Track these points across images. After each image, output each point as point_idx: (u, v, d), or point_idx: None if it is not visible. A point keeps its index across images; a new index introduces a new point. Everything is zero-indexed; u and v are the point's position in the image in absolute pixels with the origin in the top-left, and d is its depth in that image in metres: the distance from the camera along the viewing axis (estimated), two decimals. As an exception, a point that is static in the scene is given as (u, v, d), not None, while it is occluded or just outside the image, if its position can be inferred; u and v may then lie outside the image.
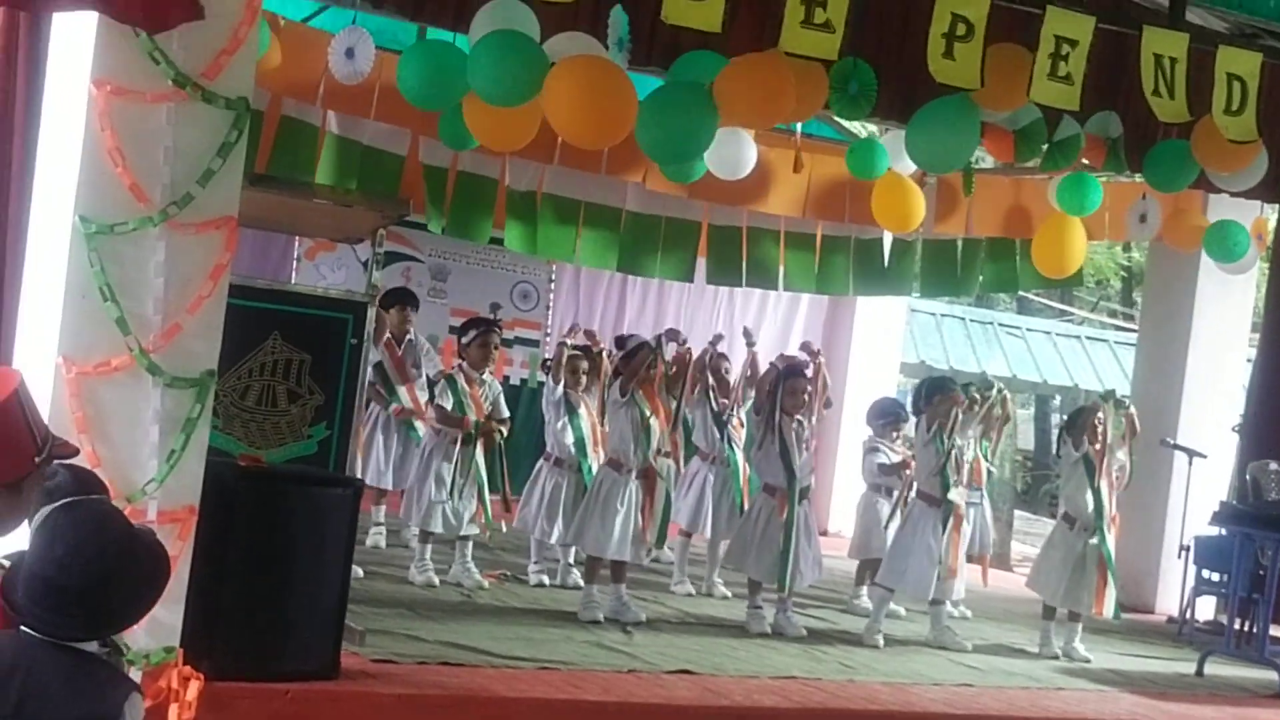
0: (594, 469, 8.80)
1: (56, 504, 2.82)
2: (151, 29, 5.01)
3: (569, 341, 9.35)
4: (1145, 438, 11.24)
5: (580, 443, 8.95)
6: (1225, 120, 7.66)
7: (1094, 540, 8.97)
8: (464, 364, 8.90)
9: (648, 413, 8.47)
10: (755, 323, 14.25)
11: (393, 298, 9.72)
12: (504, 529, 9.46)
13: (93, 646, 2.73)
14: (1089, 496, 8.98)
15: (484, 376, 8.89)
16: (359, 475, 9.44)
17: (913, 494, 9.27)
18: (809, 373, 8.93)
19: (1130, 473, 9.26)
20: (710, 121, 7.03)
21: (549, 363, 9.71)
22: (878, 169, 9.82)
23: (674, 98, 7.01)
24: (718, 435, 9.80)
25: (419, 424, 9.52)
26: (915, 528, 8.96)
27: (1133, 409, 9.24)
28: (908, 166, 9.52)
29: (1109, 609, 9.01)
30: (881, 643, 8.66)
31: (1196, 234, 10.36)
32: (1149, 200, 10.01)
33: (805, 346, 9.17)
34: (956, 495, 8.91)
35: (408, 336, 9.70)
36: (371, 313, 6.93)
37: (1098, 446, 9.02)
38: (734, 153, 8.98)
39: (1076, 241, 9.80)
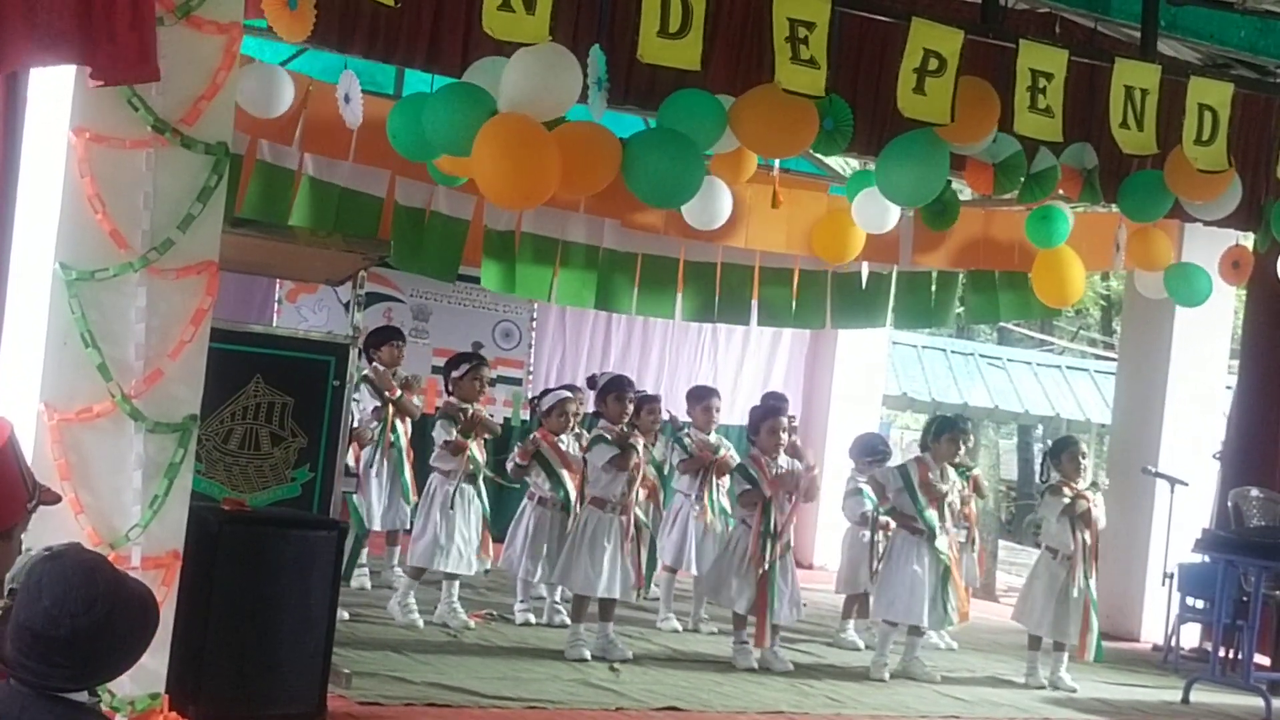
0: (578, 507, 8.82)
1: (41, 554, 2.81)
2: (108, 81, 5.00)
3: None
4: (1126, 466, 11.31)
5: (560, 486, 8.95)
6: (1195, 150, 7.73)
7: (1079, 570, 8.98)
8: (453, 399, 8.92)
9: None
10: (739, 357, 14.33)
11: (380, 336, 9.73)
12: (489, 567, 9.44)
13: (82, 696, 2.72)
14: (1070, 535, 9.01)
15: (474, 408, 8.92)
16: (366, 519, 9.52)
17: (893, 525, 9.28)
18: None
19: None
20: (698, 166, 7.10)
21: (536, 400, 9.71)
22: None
23: (661, 141, 7.06)
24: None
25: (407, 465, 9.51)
26: (899, 556, 8.96)
27: (1100, 498, 9.19)
28: (880, 220, 9.68)
29: (1091, 653, 9.01)
30: (888, 676, 8.66)
31: (1163, 254, 10.38)
32: (1123, 230, 10.06)
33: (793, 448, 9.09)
34: (942, 543, 8.90)
35: (397, 373, 9.67)
36: (353, 354, 6.94)
37: (1079, 484, 9.06)
38: (710, 202, 9.05)
39: (1075, 269, 9.86)
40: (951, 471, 9.18)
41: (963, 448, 9.17)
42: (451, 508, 8.60)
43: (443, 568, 8.65)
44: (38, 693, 2.68)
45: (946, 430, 9.12)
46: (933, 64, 7.06)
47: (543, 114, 6.82)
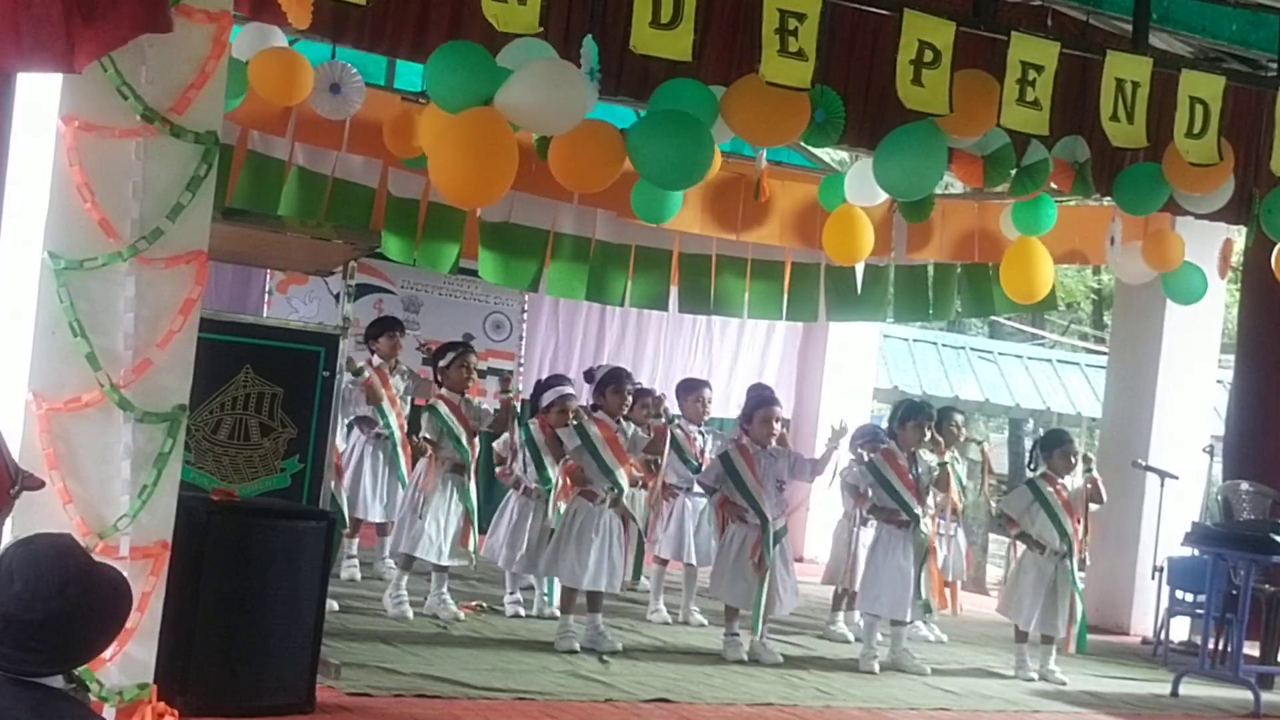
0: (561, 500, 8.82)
1: (12, 541, 2.81)
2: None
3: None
4: (1117, 460, 11.33)
5: (548, 479, 8.95)
6: (1187, 143, 7.72)
7: (1065, 563, 9.00)
8: (443, 390, 8.90)
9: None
10: (733, 350, 14.34)
11: (379, 326, 9.73)
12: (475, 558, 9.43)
13: (58, 682, 2.72)
14: (1052, 530, 9.03)
15: (464, 397, 8.90)
16: (349, 508, 9.53)
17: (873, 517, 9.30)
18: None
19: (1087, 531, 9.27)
20: (708, 148, 7.11)
21: (534, 397, 9.68)
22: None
23: (669, 125, 7.05)
24: (689, 470, 9.78)
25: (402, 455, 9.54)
26: (884, 550, 8.98)
27: (1097, 474, 9.18)
28: (873, 195, 9.61)
29: (1075, 644, 9.02)
30: (877, 668, 8.67)
31: (1176, 255, 10.33)
32: (1116, 223, 10.05)
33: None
34: (926, 526, 8.92)
35: (398, 363, 9.68)
36: (344, 345, 6.93)
37: (1065, 481, 9.07)
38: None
39: (1043, 265, 9.86)
40: (930, 457, 9.18)
41: (928, 433, 9.17)
42: (419, 493, 8.66)
43: (414, 554, 8.65)
44: (12, 678, 2.67)
45: (912, 416, 9.13)
46: (928, 56, 7.05)
47: (542, 130, 6.83)
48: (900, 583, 8.81)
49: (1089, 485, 9.06)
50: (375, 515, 9.67)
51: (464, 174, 6.70)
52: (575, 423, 8.55)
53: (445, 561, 8.73)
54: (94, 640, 2.75)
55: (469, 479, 8.79)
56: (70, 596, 2.68)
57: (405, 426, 9.58)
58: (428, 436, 8.80)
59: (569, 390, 9.23)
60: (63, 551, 2.74)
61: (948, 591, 9.96)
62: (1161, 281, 10.31)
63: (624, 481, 8.47)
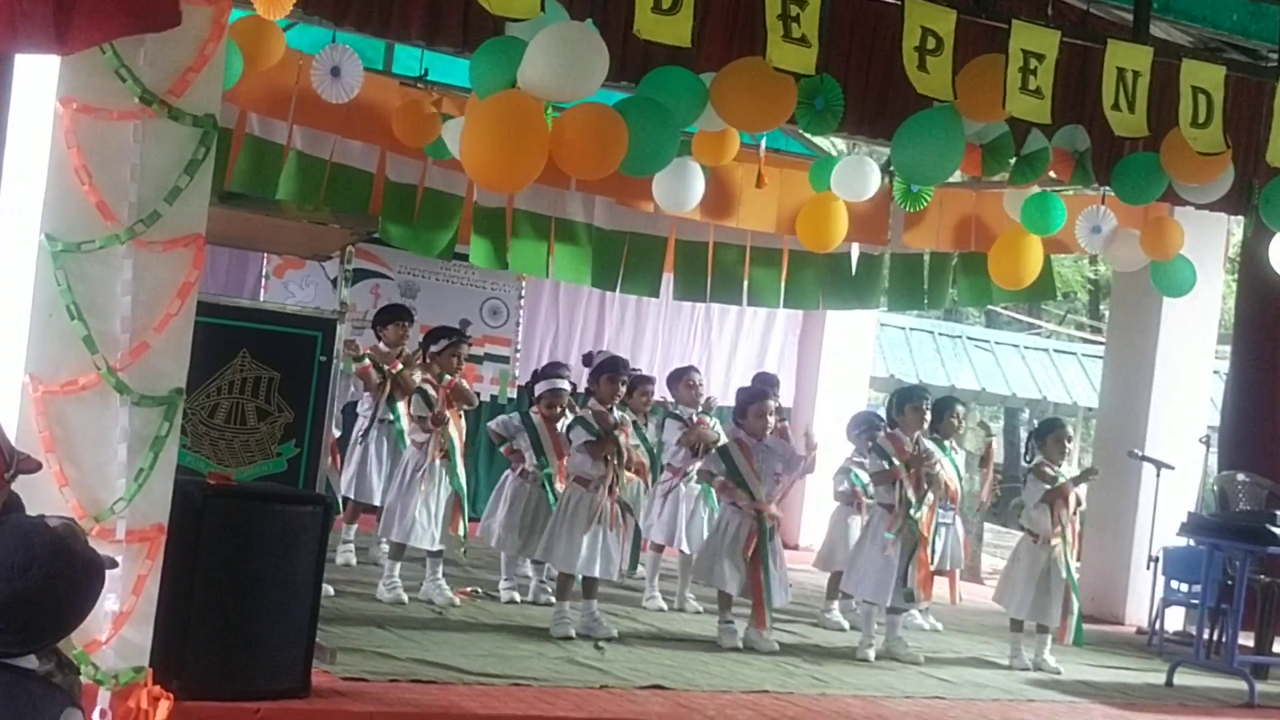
0: (558, 485, 8.83)
1: None
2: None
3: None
4: (1113, 449, 11.34)
5: (546, 464, 8.96)
6: (1193, 133, 7.70)
7: (1057, 553, 9.00)
8: (429, 375, 8.92)
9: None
10: (733, 338, 14.33)
11: (388, 314, 9.72)
12: (465, 544, 9.42)
13: (31, 662, 2.71)
14: (1049, 519, 9.03)
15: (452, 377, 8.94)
16: (350, 492, 9.52)
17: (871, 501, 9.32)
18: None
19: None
20: (673, 134, 7.08)
21: (528, 384, 9.68)
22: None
23: (638, 110, 7.03)
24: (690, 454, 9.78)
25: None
26: (873, 534, 8.98)
27: (994, 439, 9.21)
28: (860, 190, 9.67)
29: (1071, 636, 9.03)
30: (873, 657, 8.68)
31: (1175, 243, 10.30)
32: (1103, 211, 9.99)
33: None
34: (916, 514, 8.90)
35: (403, 352, 9.68)
36: (341, 329, 6.92)
37: (1061, 467, 9.07)
38: (682, 183, 9.03)
39: (1033, 252, 9.86)
40: (930, 444, 9.17)
41: (926, 415, 9.16)
42: (409, 480, 8.66)
43: (402, 540, 8.65)
44: None
45: (908, 401, 9.13)
46: (931, 43, 7.05)
47: (563, 97, 6.78)
48: (884, 567, 8.79)
49: (985, 450, 9.10)
50: (379, 500, 9.65)
51: (494, 157, 6.66)
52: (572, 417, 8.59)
53: (438, 547, 8.74)
54: (63, 619, 2.74)
55: (458, 461, 8.79)
56: (35, 577, 2.67)
57: (412, 414, 9.56)
58: (421, 415, 8.81)
59: (561, 384, 9.23)
60: (28, 531, 2.73)
61: (947, 580, 10.00)
62: (1151, 273, 10.31)
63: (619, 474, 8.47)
